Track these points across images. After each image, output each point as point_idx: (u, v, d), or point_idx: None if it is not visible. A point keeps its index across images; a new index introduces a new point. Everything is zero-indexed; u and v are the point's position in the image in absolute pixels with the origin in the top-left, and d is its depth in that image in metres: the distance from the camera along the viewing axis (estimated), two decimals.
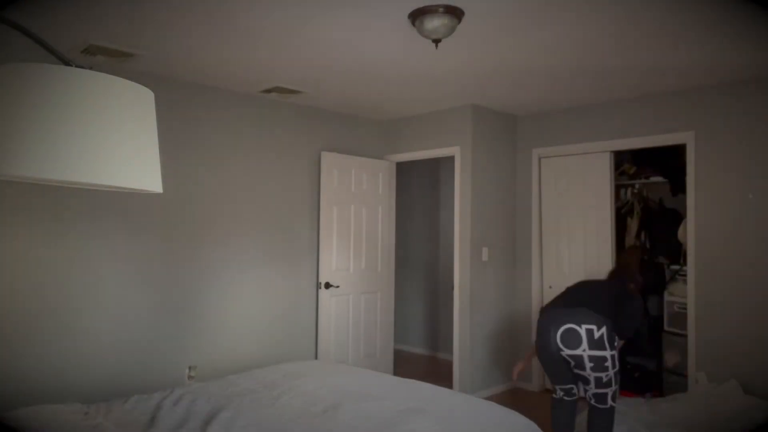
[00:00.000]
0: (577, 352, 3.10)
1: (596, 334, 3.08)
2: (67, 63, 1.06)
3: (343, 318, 5.00)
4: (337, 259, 4.97)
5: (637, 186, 5.12)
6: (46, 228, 3.47)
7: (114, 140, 1.04)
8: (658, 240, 4.97)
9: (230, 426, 2.33)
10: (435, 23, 2.72)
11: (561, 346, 3.14)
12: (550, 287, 5.01)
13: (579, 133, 4.85)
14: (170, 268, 4.00)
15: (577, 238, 4.90)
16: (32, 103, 0.98)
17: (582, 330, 3.08)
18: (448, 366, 5.76)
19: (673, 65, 3.65)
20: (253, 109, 4.49)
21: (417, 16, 2.75)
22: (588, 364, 3.10)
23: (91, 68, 1.04)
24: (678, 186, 4.81)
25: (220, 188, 4.28)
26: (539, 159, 5.14)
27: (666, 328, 4.67)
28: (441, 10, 2.67)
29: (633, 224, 5.05)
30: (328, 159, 4.91)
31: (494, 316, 4.99)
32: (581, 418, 3.59)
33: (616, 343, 3.16)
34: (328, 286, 4.87)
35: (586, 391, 3.22)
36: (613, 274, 3.61)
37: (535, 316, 5.00)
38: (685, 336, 4.32)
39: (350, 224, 5.09)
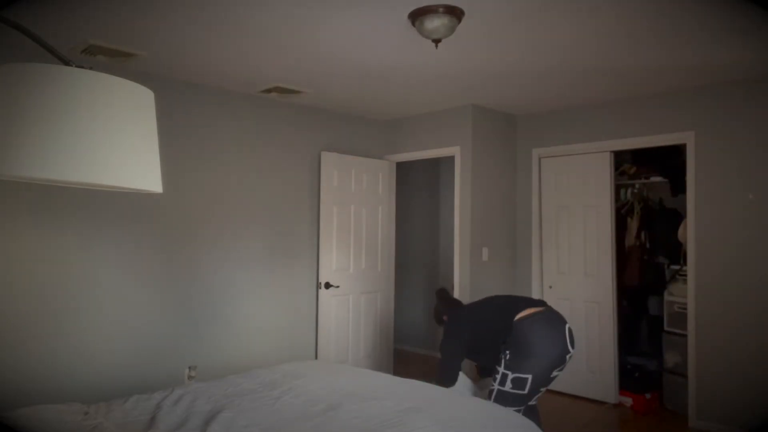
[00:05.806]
0: (573, 351, 2.98)
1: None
2: (67, 63, 1.06)
3: (343, 318, 5.00)
4: (337, 259, 4.97)
5: (637, 186, 5.12)
6: (46, 228, 3.47)
7: (114, 140, 1.04)
8: (658, 240, 4.97)
9: (230, 426, 2.33)
10: (435, 23, 2.72)
11: (570, 347, 2.94)
12: (551, 287, 5.01)
13: (579, 133, 4.85)
14: (170, 268, 4.00)
15: (577, 238, 4.89)
16: (32, 103, 0.98)
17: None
18: None
19: (673, 65, 3.65)
20: (253, 109, 4.48)
21: (417, 16, 2.75)
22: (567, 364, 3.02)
23: (91, 68, 1.04)
24: (678, 186, 4.81)
25: (221, 188, 4.28)
26: (539, 159, 5.14)
27: (666, 328, 4.67)
28: (441, 10, 2.67)
29: (633, 224, 5.06)
30: (328, 159, 4.91)
31: None
32: None
33: None
34: (328, 286, 4.87)
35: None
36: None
37: None
38: (685, 336, 4.32)
39: (350, 224, 5.08)
